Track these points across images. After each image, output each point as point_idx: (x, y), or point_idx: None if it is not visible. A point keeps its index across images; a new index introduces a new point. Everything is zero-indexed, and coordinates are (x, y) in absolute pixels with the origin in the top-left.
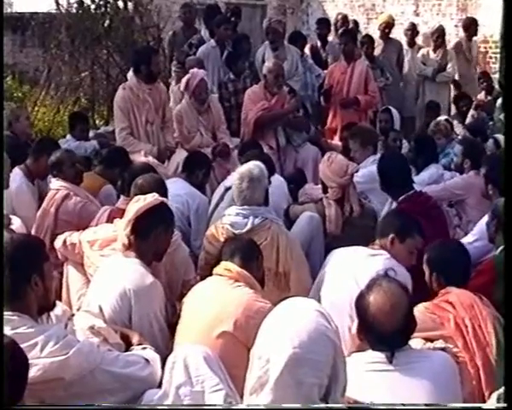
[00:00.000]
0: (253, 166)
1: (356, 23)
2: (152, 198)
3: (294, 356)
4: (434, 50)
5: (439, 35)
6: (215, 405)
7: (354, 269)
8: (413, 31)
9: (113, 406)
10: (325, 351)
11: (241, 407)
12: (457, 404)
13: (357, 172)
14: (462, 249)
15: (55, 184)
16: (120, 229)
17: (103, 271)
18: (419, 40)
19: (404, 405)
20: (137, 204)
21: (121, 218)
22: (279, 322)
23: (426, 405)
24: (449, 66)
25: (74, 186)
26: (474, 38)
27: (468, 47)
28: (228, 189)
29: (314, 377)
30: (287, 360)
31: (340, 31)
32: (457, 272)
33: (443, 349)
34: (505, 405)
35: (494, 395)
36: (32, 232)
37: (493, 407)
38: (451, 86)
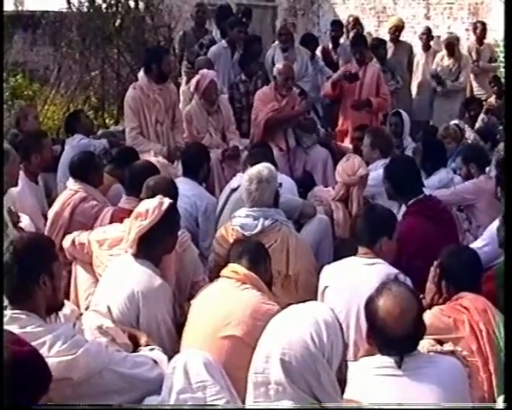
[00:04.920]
0: (263, 167)
1: (361, 25)
2: (153, 215)
3: (281, 364)
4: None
5: (447, 45)
6: (215, 405)
7: (356, 281)
8: (428, 35)
9: (113, 406)
10: (303, 365)
11: (240, 406)
12: (455, 404)
13: (366, 176)
14: (476, 258)
15: (75, 186)
16: (126, 245)
17: (112, 271)
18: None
19: (400, 404)
20: (139, 222)
21: (123, 217)
22: (279, 325)
23: (418, 391)
24: (462, 73)
25: (94, 189)
26: (487, 42)
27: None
28: (233, 190)
29: (296, 386)
30: (278, 367)
31: (351, 37)
32: (470, 281)
33: (452, 352)
34: (505, 405)
35: (501, 399)
36: (46, 229)
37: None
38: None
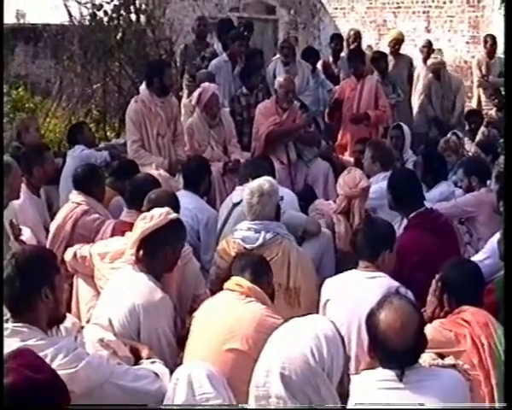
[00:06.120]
0: (264, 181)
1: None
2: (158, 218)
3: (281, 378)
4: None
5: (433, 70)
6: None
7: (358, 294)
8: (429, 48)
9: (115, 407)
10: (303, 380)
11: (240, 406)
12: (456, 405)
13: (368, 188)
14: (478, 271)
15: (77, 198)
16: (128, 245)
17: (113, 284)
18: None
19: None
20: (143, 224)
21: (124, 230)
22: (280, 339)
23: (420, 403)
24: (457, 98)
25: (96, 202)
26: (498, 55)
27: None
28: (235, 205)
29: (297, 400)
30: (278, 381)
31: (348, 51)
32: (471, 295)
33: (453, 366)
34: (505, 405)
35: None
36: (47, 242)
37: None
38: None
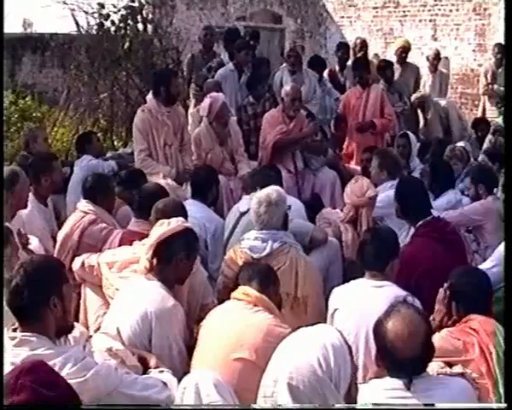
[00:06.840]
0: (272, 190)
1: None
2: (175, 224)
3: (288, 388)
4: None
5: (418, 104)
6: (217, 405)
7: (365, 303)
8: (437, 58)
9: (115, 406)
10: (310, 389)
11: (240, 406)
12: (457, 404)
13: (375, 197)
14: (486, 280)
15: (85, 207)
16: (142, 251)
17: (125, 292)
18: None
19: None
20: (161, 229)
21: (132, 239)
22: (288, 349)
23: (424, 404)
24: (451, 119)
25: (104, 212)
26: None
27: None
28: (243, 214)
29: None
30: (286, 391)
31: (351, 61)
32: (480, 303)
33: (461, 375)
34: (505, 405)
35: None
36: (55, 251)
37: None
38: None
